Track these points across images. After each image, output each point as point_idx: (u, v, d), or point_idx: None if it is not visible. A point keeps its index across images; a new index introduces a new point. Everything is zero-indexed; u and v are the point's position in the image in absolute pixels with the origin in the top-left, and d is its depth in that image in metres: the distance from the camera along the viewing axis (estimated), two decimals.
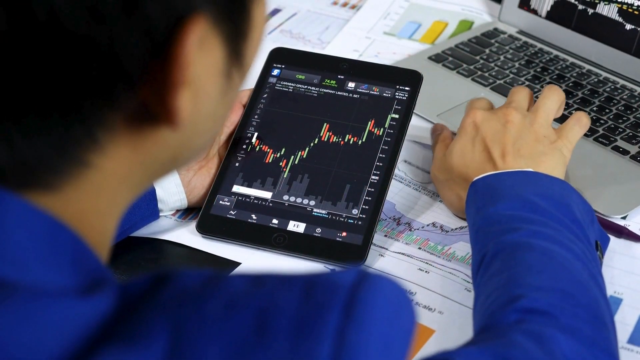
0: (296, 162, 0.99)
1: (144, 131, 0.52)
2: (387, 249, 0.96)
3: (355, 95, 1.04)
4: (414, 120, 1.05)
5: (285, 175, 0.99)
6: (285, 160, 1.00)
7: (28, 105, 0.48)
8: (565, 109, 1.13)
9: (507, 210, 0.85)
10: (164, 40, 0.49)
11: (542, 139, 0.94)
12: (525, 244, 0.80)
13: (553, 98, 0.98)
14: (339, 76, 1.06)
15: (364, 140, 1.00)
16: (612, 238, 0.95)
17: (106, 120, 0.50)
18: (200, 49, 0.51)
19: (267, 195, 0.97)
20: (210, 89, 0.53)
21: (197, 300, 0.49)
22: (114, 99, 0.49)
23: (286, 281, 0.50)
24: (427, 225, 0.98)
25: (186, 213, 1.00)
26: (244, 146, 1.01)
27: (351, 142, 1.00)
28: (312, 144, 1.01)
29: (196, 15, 0.49)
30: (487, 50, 1.25)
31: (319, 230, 0.95)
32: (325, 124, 1.02)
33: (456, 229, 0.98)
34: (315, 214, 0.96)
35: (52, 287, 0.49)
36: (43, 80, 0.47)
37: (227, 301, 0.48)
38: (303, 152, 1.00)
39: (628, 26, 1.19)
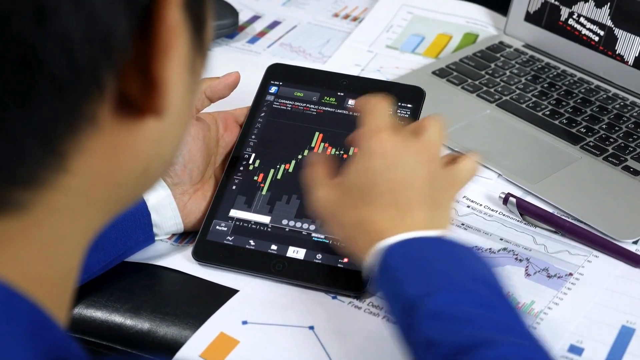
0: None
1: (126, 127, 0.47)
2: None
3: (356, 113, 1.00)
4: None
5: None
6: None
7: None
8: (573, 127, 1.10)
9: (456, 304, 0.70)
10: (146, 7, 0.45)
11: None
12: None
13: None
14: (339, 93, 1.02)
15: None
16: (622, 264, 0.92)
17: (91, 115, 0.45)
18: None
19: (266, 219, 0.94)
20: (179, 86, 0.49)
21: None
22: (100, 86, 0.45)
23: None
24: None
25: (182, 237, 0.97)
26: (241, 168, 0.97)
27: None
28: None
29: None
30: (492, 65, 1.22)
31: (319, 256, 0.91)
32: (325, 144, 0.98)
33: None
34: (315, 239, 0.92)
35: None
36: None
37: None
38: None
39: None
